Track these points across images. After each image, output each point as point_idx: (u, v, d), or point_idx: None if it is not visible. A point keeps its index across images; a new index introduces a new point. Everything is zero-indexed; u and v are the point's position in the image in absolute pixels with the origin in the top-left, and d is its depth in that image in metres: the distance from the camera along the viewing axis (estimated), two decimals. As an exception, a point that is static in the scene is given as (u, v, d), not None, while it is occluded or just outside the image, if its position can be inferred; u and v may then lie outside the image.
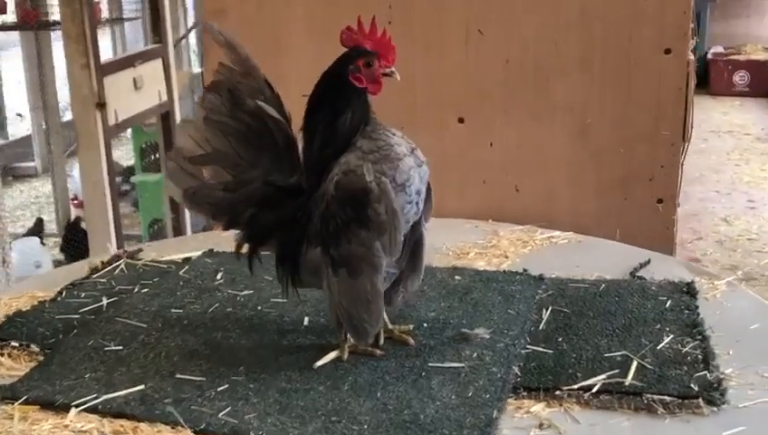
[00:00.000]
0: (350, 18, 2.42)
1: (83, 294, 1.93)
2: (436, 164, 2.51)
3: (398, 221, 1.49)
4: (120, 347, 1.67)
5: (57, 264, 5.22)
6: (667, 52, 2.29)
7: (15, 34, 6.87)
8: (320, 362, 1.58)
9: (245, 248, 1.63)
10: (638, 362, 1.55)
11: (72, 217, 5.83)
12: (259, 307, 1.83)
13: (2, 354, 1.67)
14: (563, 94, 2.38)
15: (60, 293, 1.94)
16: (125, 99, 4.44)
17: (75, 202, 6.02)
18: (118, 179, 5.17)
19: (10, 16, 6.39)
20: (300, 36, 2.48)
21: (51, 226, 6.21)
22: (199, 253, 2.17)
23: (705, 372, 1.52)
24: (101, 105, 4.20)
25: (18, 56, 7.33)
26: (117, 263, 2.12)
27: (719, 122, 8.48)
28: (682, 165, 2.39)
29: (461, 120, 2.47)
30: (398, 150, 1.51)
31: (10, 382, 1.55)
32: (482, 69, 2.41)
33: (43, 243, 5.64)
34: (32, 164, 8.10)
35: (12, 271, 4.58)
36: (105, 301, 1.89)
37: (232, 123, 1.55)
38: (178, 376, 1.54)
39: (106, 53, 6.29)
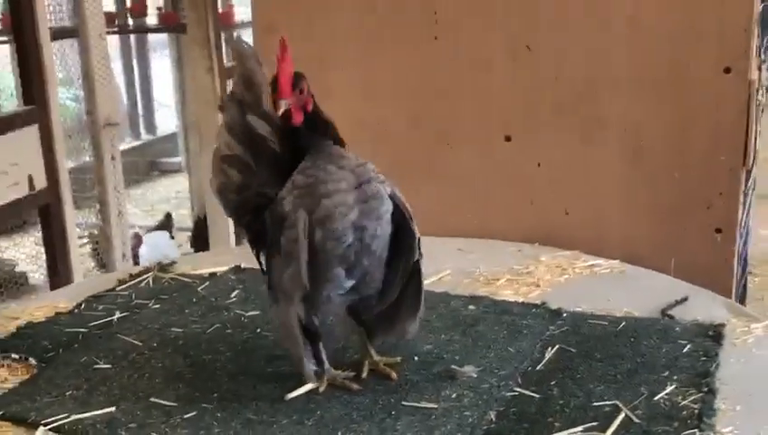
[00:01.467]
0: (395, 32, 2.41)
1: (101, 307, 1.96)
2: (482, 182, 2.45)
3: (302, 254, 1.45)
4: (109, 365, 1.68)
5: (187, 258, 5.38)
6: (727, 71, 2.11)
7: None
8: (292, 394, 1.54)
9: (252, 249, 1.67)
10: (626, 415, 1.44)
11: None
12: (259, 329, 1.81)
13: (1, 366, 1.71)
14: (615, 114, 2.24)
15: (78, 305, 1.98)
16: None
17: (214, 198, 6.19)
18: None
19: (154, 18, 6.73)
20: (346, 52, 2.45)
21: (188, 221, 6.45)
22: (226, 268, 2.17)
23: (695, 430, 1.39)
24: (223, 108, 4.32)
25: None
26: (146, 276, 2.15)
27: None
28: (744, 193, 2.21)
29: (508, 139, 2.37)
30: (328, 187, 1.47)
31: (-4, 395, 1.58)
32: (530, 85, 2.31)
33: (171, 237, 5.84)
34: (177, 160, 8.42)
35: (142, 264, 4.80)
36: (117, 315, 1.91)
37: (241, 133, 1.61)
38: (152, 399, 1.54)
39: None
